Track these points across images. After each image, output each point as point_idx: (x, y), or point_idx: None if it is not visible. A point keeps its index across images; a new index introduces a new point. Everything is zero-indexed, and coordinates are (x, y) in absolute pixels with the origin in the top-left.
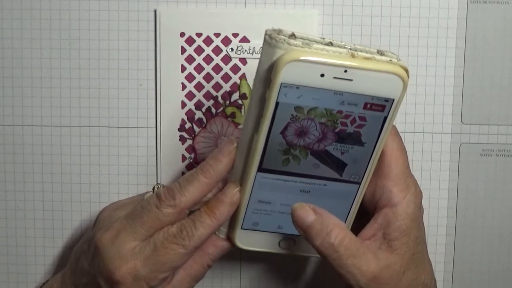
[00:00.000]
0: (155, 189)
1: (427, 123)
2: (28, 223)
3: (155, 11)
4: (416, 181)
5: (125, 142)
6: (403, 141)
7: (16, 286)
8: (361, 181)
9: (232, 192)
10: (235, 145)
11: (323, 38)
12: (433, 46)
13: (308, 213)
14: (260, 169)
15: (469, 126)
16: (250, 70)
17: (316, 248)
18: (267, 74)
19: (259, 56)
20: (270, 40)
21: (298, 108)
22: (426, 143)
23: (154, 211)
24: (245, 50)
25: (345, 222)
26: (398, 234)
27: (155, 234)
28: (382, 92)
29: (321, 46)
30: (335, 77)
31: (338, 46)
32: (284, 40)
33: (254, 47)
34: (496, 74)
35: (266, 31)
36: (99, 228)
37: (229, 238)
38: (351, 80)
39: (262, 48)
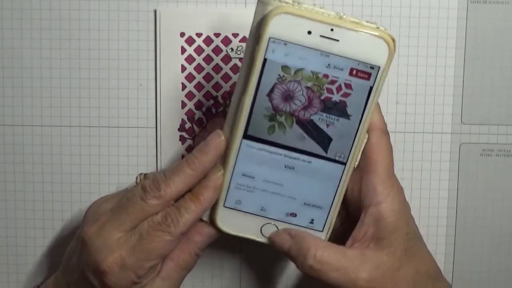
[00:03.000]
0: (138, 179)
1: (427, 123)
2: (28, 223)
3: (155, 11)
4: (397, 179)
5: (125, 142)
6: (404, 141)
7: (16, 286)
8: (346, 161)
9: (216, 177)
10: (222, 138)
11: (315, 5)
12: (433, 46)
13: (284, 240)
14: (246, 136)
15: (469, 126)
16: None
17: (300, 270)
18: (257, 31)
19: None
20: None
21: (285, 68)
22: (426, 143)
23: (139, 202)
24: None
25: (330, 208)
26: (387, 232)
27: (140, 224)
28: (368, 57)
29: (310, 7)
30: (321, 36)
31: (328, 10)
32: None
33: None
34: (496, 74)
35: None
36: (85, 222)
37: (212, 221)
38: (338, 40)
39: (255, 7)
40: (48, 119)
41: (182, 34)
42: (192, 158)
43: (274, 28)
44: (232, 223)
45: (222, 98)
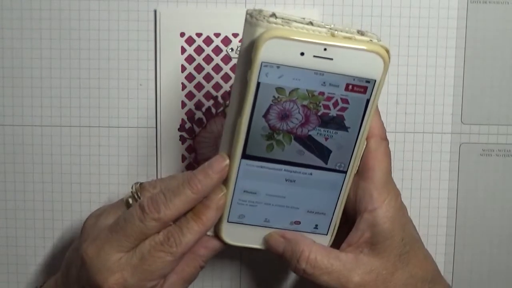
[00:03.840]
0: (134, 188)
1: (427, 123)
2: (28, 223)
3: (155, 11)
4: (395, 185)
5: (125, 142)
6: (404, 141)
7: (16, 286)
8: (347, 170)
9: (218, 197)
10: (227, 162)
11: (304, 18)
12: (433, 46)
13: (278, 242)
14: (244, 155)
15: (469, 126)
16: None
17: (293, 272)
18: (248, 53)
19: None
20: (251, 19)
21: (279, 89)
22: (426, 143)
23: (137, 224)
24: None
25: (333, 213)
26: (381, 238)
27: (141, 244)
28: (363, 72)
29: (301, 25)
30: (315, 56)
31: (319, 26)
32: (264, 18)
33: None
34: (496, 74)
35: (247, 10)
36: (84, 239)
37: (217, 233)
38: (331, 59)
39: (244, 28)
40: (48, 119)
41: (182, 34)
42: (194, 181)
43: (266, 52)
44: (237, 235)
45: (222, 98)
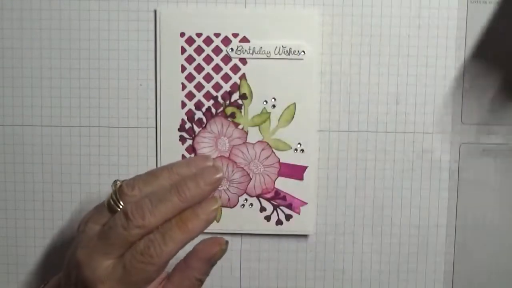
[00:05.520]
0: (113, 187)
1: (427, 123)
2: (28, 223)
3: (155, 11)
4: None
5: (125, 142)
6: (404, 141)
7: (16, 286)
8: None
9: (210, 210)
10: (220, 175)
11: None
12: (433, 46)
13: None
14: None
15: (469, 126)
16: (250, 70)
17: None
18: None
19: (259, 56)
20: None
21: None
22: (426, 143)
23: (121, 232)
24: (245, 50)
25: None
26: None
27: (125, 253)
28: None
29: None
30: None
31: None
32: None
33: (254, 47)
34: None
35: None
36: (76, 243)
37: None
38: None
39: None
40: (48, 119)
41: (182, 34)
42: (183, 188)
43: None
44: None
45: (222, 98)
